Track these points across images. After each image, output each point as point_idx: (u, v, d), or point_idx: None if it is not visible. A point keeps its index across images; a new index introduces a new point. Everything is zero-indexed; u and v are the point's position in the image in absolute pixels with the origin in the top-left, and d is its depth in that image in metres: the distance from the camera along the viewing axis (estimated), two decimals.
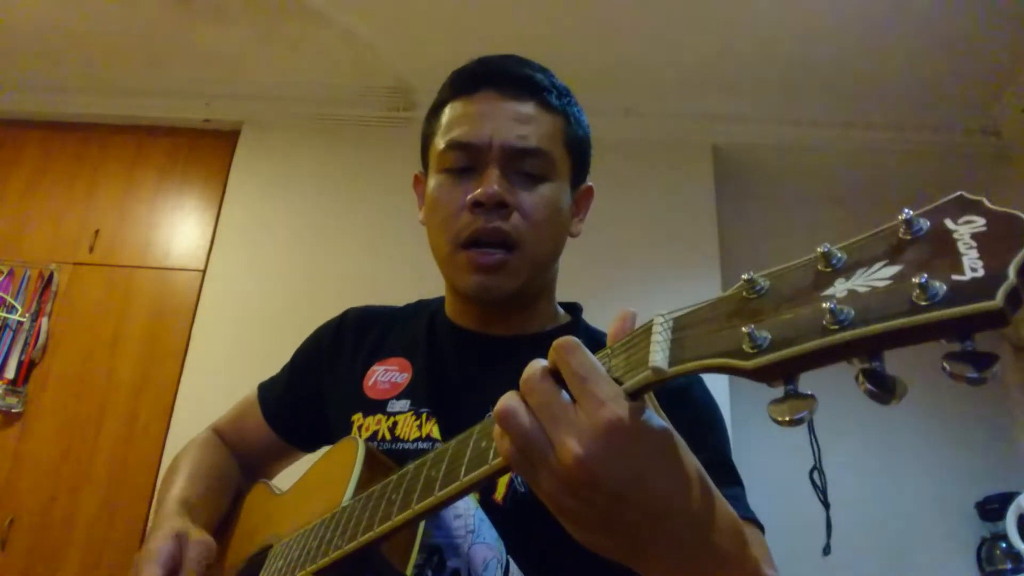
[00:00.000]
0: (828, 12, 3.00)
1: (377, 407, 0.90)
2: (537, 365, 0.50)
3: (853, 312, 0.37)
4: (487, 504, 0.78)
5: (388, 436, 0.87)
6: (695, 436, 0.77)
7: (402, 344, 0.97)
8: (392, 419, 0.88)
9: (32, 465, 3.02)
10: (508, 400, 0.50)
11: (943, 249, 0.37)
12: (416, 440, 0.85)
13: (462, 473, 0.57)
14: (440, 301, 1.02)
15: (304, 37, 3.33)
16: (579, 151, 0.95)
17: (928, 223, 0.38)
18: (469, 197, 0.85)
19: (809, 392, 0.40)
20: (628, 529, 0.49)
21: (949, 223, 0.38)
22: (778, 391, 0.41)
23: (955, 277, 0.35)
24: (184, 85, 3.59)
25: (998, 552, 3.01)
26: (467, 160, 0.88)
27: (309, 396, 1.03)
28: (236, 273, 3.34)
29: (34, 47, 3.49)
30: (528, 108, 0.90)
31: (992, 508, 3.07)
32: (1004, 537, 2.92)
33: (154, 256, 3.39)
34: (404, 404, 0.89)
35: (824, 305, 0.38)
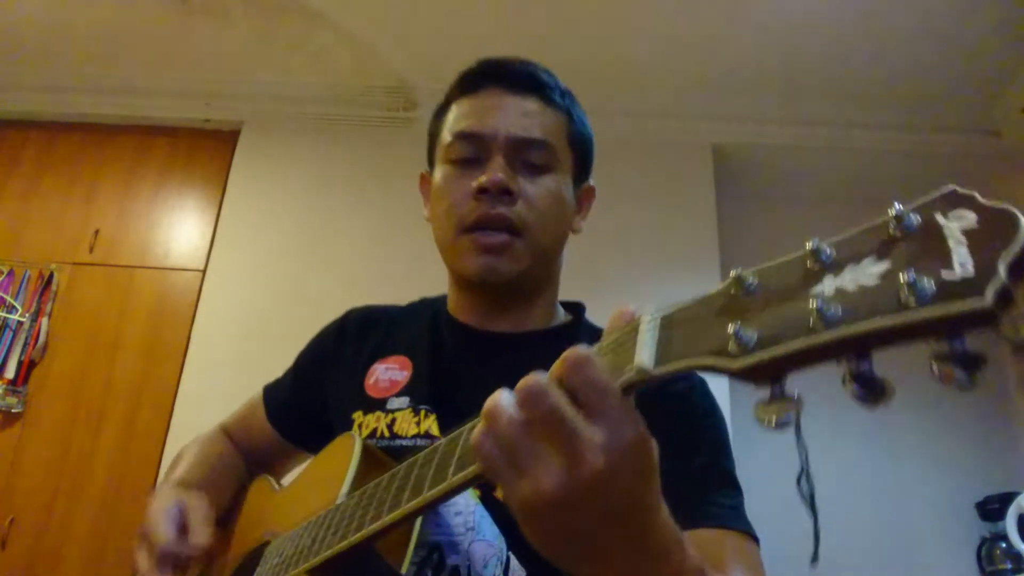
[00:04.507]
0: (828, 12, 3.00)
1: (377, 405, 0.91)
2: (540, 374, 0.48)
3: (840, 311, 0.36)
4: (489, 500, 0.78)
5: (387, 433, 0.87)
6: (693, 438, 0.77)
7: (404, 342, 0.97)
8: (391, 416, 0.88)
9: (32, 465, 3.02)
10: (500, 399, 0.49)
11: (933, 245, 0.36)
12: (415, 436, 0.85)
13: (450, 473, 0.56)
14: (443, 299, 1.01)
15: (304, 37, 3.33)
16: (581, 149, 0.96)
17: (918, 218, 0.38)
18: (475, 183, 0.86)
19: (795, 394, 0.40)
20: (589, 538, 0.48)
21: (939, 218, 0.37)
22: (766, 392, 0.40)
23: (944, 275, 0.34)
24: (184, 85, 3.59)
25: (998, 552, 3.01)
26: (473, 150, 0.89)
27: (313, 399, 1.03)
28: (236, 273, 3.34)
29: (34, 47, 3.49)
30: (532, 103, 0.92)
31: (992, 508, 3.07)
32: (1004, 537, 2.92)
33: (154, 256, 3.39)
34: (403, 401, 0.89)
35: (811, 304, 0.37)
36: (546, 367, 0.57)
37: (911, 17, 2.99)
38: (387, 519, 0.60)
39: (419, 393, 0.89)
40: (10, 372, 3.12)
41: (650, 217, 3.37)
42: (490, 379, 0.85)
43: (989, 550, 3.05)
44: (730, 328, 0.40)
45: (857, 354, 0.37)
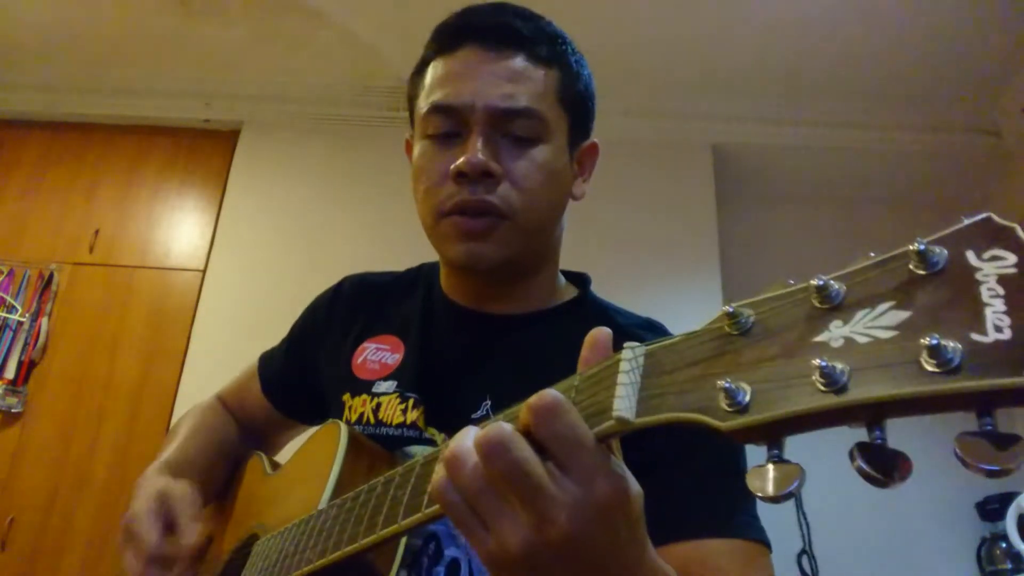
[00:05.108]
0: (828, 12, 3.00)
1: (363, 387, 0.87)
2: (504, 424, 0.44)
3: (848, 371, 0.32)
4: None
5: (372, 419, 0.84)
6: (705, 439, 0.74)
7: (396, 320, 0.93)
8: (376, 400, 0.85)
9: (32, 465, 3.02)
10: (462, 446, 0.45)
11: (962, 294, 0.30)
12: (400, 425, 0.81)
13: (424, 503, 0.51)
14: (439, 270, 0.95)
15: (304, 37, 3.33)
16: (577, 106, 0.86)
17: (946, 254, 0.31)
18: (452, 167, 0.78)
19: (794, 461, 0.34)
20: None
21: (972, 258, 0.31)
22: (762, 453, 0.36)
23: (974, 337, 0.29)
24: (184, 85, 3.60)
25: (998, 552, 3.01)
26: (450, 124, 0.81)
27: (305, 372, 1.01)
28: (236, 273, 3.34)
29: (34, 47, 3.49)
30: (515, 64, 0.81)
31: (992, 508, 3.07)
32: (1004, 537, 2.92)
33: (154, 256, 3.39)
34: (390, 385, 0.85)
35: (814, 361, 0.32)
36: (549, 350, 0.54)
37: (911, 17, 2.99)
38: (363, 542, 0.58)
39: (407, 379, 0.85)
40: (10, 372, 3.12)
41: (650, 217, 3.37)
42: (485, 366, 0.84)
43: (989, 550, 3.05)
44: (720, 382, 0.35)
45: (868, 422, 0.32)
